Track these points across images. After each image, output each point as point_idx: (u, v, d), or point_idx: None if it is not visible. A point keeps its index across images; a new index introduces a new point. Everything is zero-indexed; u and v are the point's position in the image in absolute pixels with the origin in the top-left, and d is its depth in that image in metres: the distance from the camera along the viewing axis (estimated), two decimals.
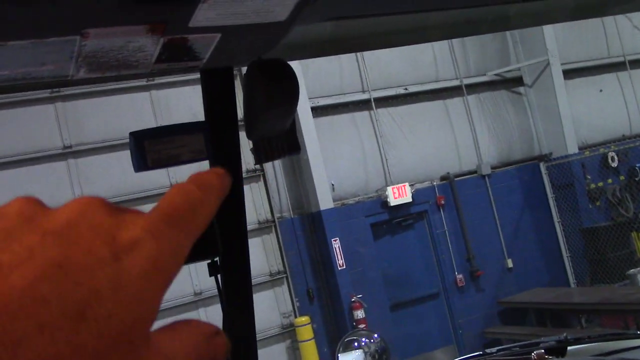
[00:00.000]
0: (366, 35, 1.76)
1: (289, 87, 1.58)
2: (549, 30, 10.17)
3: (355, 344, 4.47)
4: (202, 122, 1.59)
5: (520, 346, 2.07)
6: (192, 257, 1.49)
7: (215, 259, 1.62)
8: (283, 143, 1.65)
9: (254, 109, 1.57)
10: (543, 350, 1.70)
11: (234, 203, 1.65)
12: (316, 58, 7.65)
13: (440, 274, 9.59)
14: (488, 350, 2.06)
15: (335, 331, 8.60)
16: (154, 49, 1.08)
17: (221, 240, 1.54)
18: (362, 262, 8.86)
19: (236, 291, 1.66)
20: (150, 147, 1.49)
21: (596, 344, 2.23)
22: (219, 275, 1.64)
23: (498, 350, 2.05)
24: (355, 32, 1.69)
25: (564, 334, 2.13)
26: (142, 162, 1.49)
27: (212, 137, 1.57)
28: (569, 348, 2.05)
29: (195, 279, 7.90)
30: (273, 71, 1.56)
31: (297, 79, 1.61)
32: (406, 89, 9.76)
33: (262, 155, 1.64)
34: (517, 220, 10.21)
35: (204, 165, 1.63)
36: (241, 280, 1.67)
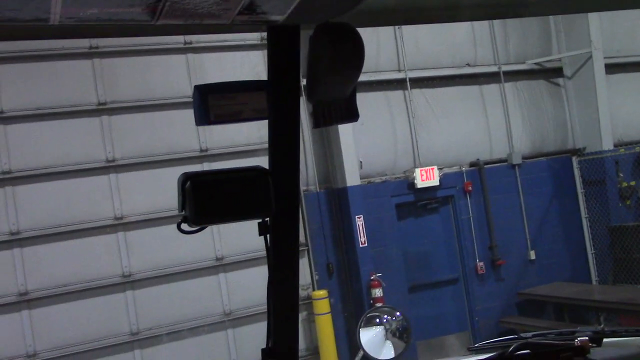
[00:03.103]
0: (434, 8, 1.73)
1: (355, 52, 1.56)
2: (594, 21, 9.93)
3: (377, 320, 4.47)
4: (265, 80, 1.58)
5: (556, 334, 2.05)
6: (246, 215, 1.50)
7: (267, 219, 1.62)
8: (342, 109, 1.64)
9: (318, 71, 1.55)
10: (587, 338, 1.69)
11: (289, 164, 1.65)
12: (376, 27, 7.53)
13: (461, 260, 9.56)
14: (523, 335, 2.05)
15: (352, 307, 8.65)
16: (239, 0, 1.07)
17: (275, 200, 1.54)
18: (384, 242, 8.86)
19: (283, 252, 1.67)
20: (214, 101, 1.49)
21: (632, 338, 2.20)
22: (268, 235, 1.65)
23: (533, 336, 2.04)
24: (425, 2, 1.66)
25: (602, 326, 2.11)
26: (204, 116, 1.49)
27: (274, 97, 1.56)
28: (604, 340, 2.03)
29: (218, 243, 7.98)
30: (340, 35, 1.54)
31: (363, 45, 1.59)
32: (442, 71, 9.64)
33: (320, 119, 1.63)
34: (544, 212, 10.10)
35: (264, 124, 1.63)
36: (289, 242, 1.68)
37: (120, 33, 1.26)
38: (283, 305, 1.70)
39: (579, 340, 1.69)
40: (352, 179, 8.58)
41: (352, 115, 1.65)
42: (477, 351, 2.18)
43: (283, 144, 1.61)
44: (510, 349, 1.78)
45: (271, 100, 1.54)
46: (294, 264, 1.72)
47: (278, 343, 1.72)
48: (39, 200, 7.34)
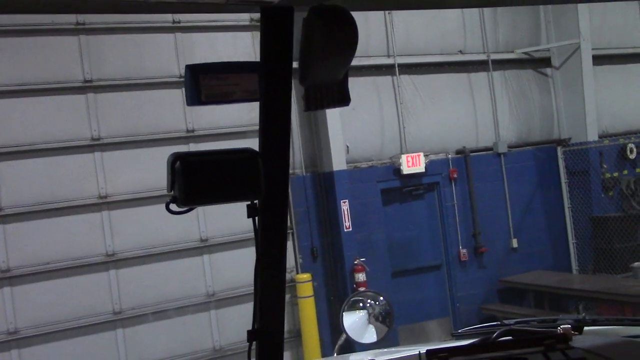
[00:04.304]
0: None
1: (348, 35, 1.56)
2: (583, 13, 9.96)
3: (361, 304, 4.50)
4: (257, 62, 1.57)
5: (539, 321, 2.08)
6: (235, 197, 1.50)
7: (256, 202, 1.62)
8: (334, 93, 1.64)
9: (311, 54, 1.54)
10: (570, 325, 1.71)
11: (279, 147, 1.64)
12: (366, 12, 7.45)
13: (444, 246, 9.64)
14: (506, 322, 2.08)
15: (335, 291, 8.70)
16: None
17: (264, 183, 1.54)
18: (369, 227, 8.90)
19: (271, 234, 1.67)
20: (205, 81, 1.47)
21: (612, 327, 2.24)
22: (256, 218, 1.65)
23: (516, 323, 2.06)
24: None
25: (583, 314, 2.14)
26: (195, 96, 1.48)
27: (266, 79, 1.55)
28: (585, 328, 2.06)
29: (202, 224, 7.97)
30: (333, 17, 1.53)
31: (356, 28, 1.58)
32: (431, 58, 9.63)
33: (312, 102, 1.62)
34: (528, 201, 10.19)
35: (255, 105, 1.62)
36: (277, 224, 1.68)
37: (115, 9, 1.24)
38: (270, 287, 1.70)
39: (561, 327, 1.72)
40: (339, 163, 8.58)
41: (343, 99, 1.65)
42: (461, 337, 2.20)
43: (274, 126, 1.60)
44: (494, 335, 1.80)
45: (263, 82, 1.53)
46: (281, 247, 1.72)
47: (264, 324, 1.73)
48: (22, 177, 7.27)
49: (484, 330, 2.07)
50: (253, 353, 1.75)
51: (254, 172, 1.50)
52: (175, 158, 1.47)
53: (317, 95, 1.62)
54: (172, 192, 1.49)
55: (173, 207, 1.52)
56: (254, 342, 1.74)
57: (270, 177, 1.55)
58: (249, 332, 1.73)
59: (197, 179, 1.46)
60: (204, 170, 1.47)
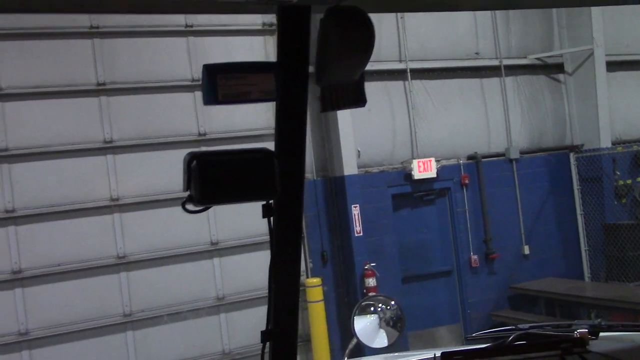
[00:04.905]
0: None
1: (365, 36, 1.55)
2: (597, 18, 9.91)
3: (372, 308, 4.49)
4: (274, 62, 1.57)
5: (554, 326, 2.06)
6: (251, 196, 1.50)
7: (271, 201, 1.62)
8: (350, 94, 1.64)
9: (327, 55, 1.54)
10: (586, 330, 1.70)
11: (295, 147, 1.64)
12: (379, 16, 7.47)
13: (455, 252, 9.59)
14: (520, 326, 2.06)
15: (345, 296, 8.68)
16: None
17: (280, 183, 1.53)
18: (380, 232, 8.87)
19: (286, 235, 1.66)
20: (222, 81, 1.47)
21: (628, 333, 2.21)
22: (271, 218, 1.64)
23: (531, 327, 2.05)
24: None
25: (599, 320, 2.12)
26: (212, 96, 1.48)
27: (283, 78, 1.55)
28: (601, 334, 2.04)
29: (213, 228, 7.98)
30: (350, 18, 1.53)
31: (373, 29, 1.58)
32: (443, 63, 9.62)
33: (328, 103, 1.62)
34: (540, 208, 10.13)
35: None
36: (292, 225, 1.68)
37: (132, 9, 1.25)
38: (284, 287, 1.70)
39: (578, 332, 1.70)
40: (350, 167, 8.57)
41: (359, 100, 1.65)
42: (475, 341, 2.18)
43: (290, 126, 1.60)
44: (509, 339, 1.78)
45: (279, 81, 1.53)
46: (296, 247, 1.72)
47: (278, 324, 1.72)
48: (35, 179, 7.31)
49: (499, 334, 2.06)
50: (266, 356, 1.75)
51: (270, 172, 1.50)
52: (192, 157, 1.47)
53: (333, 96, 1.62)
54: (188, 191, 1.49)
55: (189, 206, 1.52)
56: (268, 343, 1.73)
57: (285, 177, 1.55)
58: (262, 332, 1.72)
59: (213, 178, 1.46)
60: (220, 169, 1.47)
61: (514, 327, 2.07)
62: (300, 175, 1.67)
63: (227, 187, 1.49)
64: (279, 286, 1.69)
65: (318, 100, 1.61)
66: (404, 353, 2.61)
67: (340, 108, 1.63)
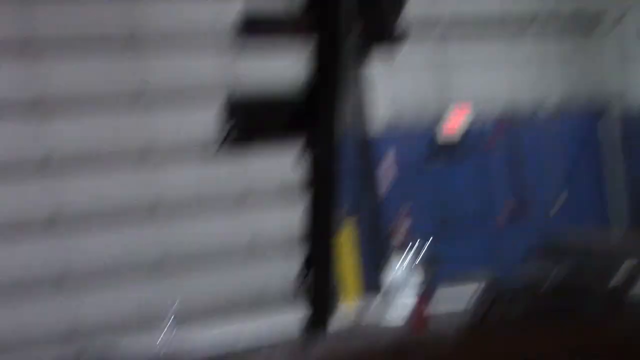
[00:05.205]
0: None
1: None
2: None
3: (406, 251, 4.66)
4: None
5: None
6: (285, 137, 1.63)
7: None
8: (390, 30, 1.67)
9: None
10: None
11: (331, 83, 1.69)
12: None
13: (487, 206, 9.61)
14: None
15: (378, 240, 8.75)
16: None
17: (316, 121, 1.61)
18: (413, 183, 8.92)
19: (323, 178, 1.73)
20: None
21: None
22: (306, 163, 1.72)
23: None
24: None
25: None
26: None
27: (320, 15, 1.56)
28: None
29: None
30: None
31: None
32: (481, 19, 9.44)
33: (368, 38, 1.66)
34: (572, 167, 10.04)
35: None
36: (330, 167, 1.74)
37: None
38: (321, 231, 1.78)
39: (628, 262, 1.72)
40: (382, 119, 8.59)
41: (399, 36, 1.69)
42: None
43: (326, 60, 1.65)
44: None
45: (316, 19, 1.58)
46: (334, 191, 1.79)
47: (317, 252, 1.83)
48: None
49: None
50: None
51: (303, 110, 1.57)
52: (229, 99, 1.56)
53: (374, 31, 1.66)
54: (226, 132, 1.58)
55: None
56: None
57: (322, 117, 1.63)
58: (299, 276, 1.81)
59: (250, 120, 1.55)
60: (255, 110, 1.56)
61: None
62: (338, 114, 1.73)
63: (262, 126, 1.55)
64: (316, 229, 1.77)
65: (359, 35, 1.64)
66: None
67: (381, 44, 1.67)
